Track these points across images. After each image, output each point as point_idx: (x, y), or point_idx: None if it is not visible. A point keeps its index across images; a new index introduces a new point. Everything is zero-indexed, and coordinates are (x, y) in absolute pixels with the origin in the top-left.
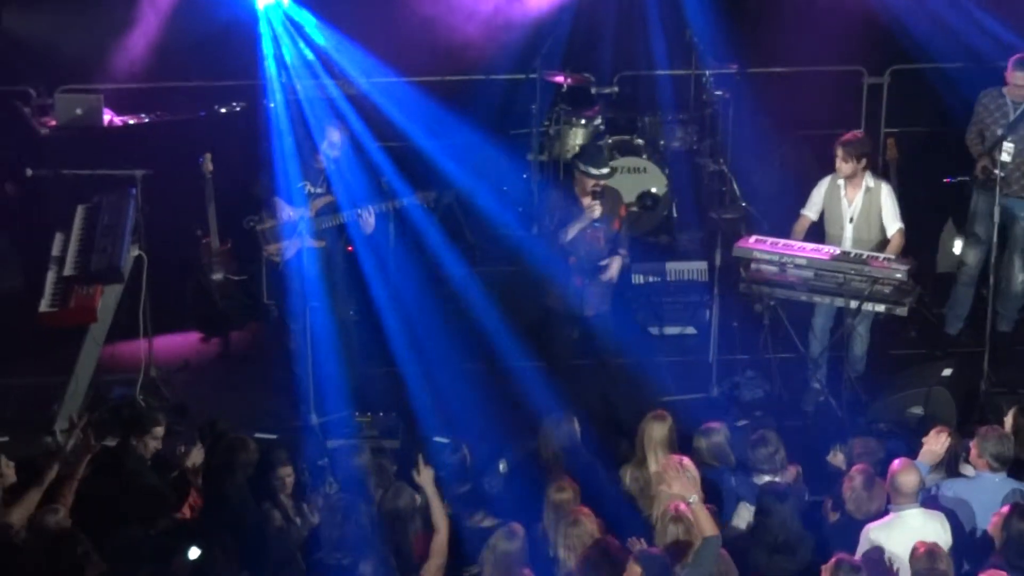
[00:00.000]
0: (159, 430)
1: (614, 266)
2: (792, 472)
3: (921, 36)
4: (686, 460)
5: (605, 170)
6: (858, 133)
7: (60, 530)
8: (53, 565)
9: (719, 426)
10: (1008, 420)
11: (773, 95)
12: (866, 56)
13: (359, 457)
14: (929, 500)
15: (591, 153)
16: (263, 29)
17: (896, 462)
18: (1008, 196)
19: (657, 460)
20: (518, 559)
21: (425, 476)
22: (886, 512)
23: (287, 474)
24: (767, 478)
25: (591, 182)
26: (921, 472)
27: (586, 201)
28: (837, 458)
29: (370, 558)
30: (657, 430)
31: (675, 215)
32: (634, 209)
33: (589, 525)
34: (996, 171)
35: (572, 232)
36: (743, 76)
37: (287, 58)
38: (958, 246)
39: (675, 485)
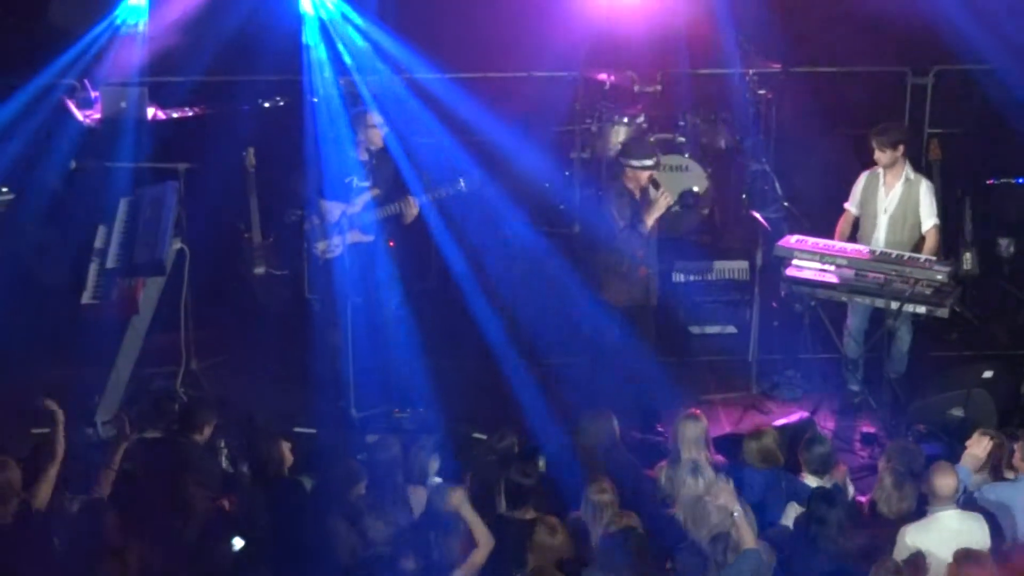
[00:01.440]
0: (209, 429)
1: None
2: (841, 471)
3: (966, 37)
4: (718, 458)
5: (655, 158)
6: (889, 123)
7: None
8: (94, 552)
9: (769, 429)
10: None
11: (816, 94)
12: (910, 56)
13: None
14: (970, 503)
15: (636, 148)
16: (308, 27)
17: (934, 465)
18: None
19: (696, 458)
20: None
21: (456, 498)
22: (923, 513)
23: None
24: (814, 478)
25: (645, 174)
26: (959, 475)
27: (650, 192)
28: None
29: (410, 555)
30: (691, 429)
31: (717, 214)
32: (676, 208)
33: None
34: None
35: (650, 222)
36: (787, 75)
37: (329, 54)
38: (1002, 246)
39: (720, 496)
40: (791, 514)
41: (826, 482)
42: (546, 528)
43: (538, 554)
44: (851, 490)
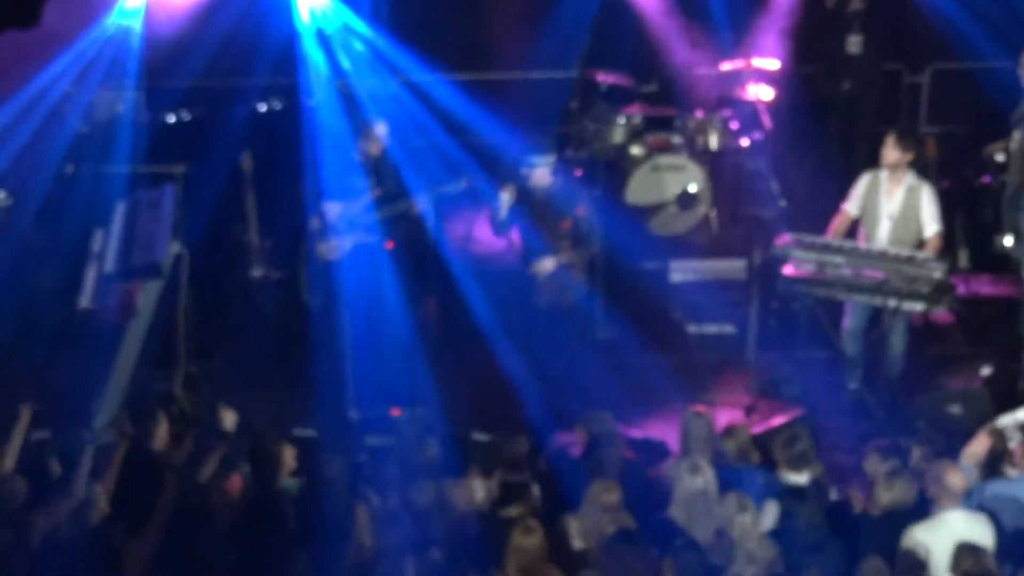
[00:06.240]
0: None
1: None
2: (819, 469)
3: (962, 35)
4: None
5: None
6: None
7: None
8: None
9: (741, 426)
10: None
11: (813, 93)
12: (906, 55)
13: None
14: (971, 500)
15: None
16: (303, 31)
17: (942, 463)
18: None
19: (697, 457)
20: (540, 555)
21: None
22: (925, 511)
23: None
24: (793, 476)
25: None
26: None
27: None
28: (872, 463)
29: (414, 556)
30: (696, 427)
31: (714, 214)
32: (673, 207)
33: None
34: None
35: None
36: (783, 74)
37: (325, 58)
38: (1007, 241)
39: None
40: (769, 513)
41: (803, 478)
42: (521, 529)
43: (514, 556)
44: (832, 488)
